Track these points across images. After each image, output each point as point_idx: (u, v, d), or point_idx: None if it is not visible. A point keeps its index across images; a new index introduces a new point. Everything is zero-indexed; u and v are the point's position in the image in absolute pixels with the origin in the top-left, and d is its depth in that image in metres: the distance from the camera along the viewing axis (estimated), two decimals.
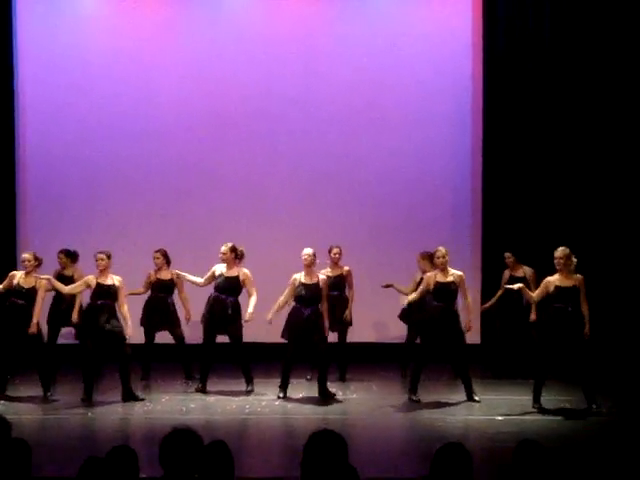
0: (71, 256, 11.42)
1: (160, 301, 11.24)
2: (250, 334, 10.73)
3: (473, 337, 12.12)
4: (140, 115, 12.80)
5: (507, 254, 11.48)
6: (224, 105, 12.76)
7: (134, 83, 12.80)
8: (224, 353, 10.65)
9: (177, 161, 12.81)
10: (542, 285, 9.39)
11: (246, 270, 10.56)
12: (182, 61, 12.80)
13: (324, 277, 10.35)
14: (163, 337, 11.53)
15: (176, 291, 11.34)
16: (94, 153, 12.78)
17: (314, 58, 12.79)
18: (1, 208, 12.66)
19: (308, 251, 10.23)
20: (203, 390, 10.46)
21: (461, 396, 10.00)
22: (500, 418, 9.03)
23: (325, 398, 10.02)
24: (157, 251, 11.37)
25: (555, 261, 9.31)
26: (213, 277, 10.54)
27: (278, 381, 10.27)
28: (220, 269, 10.54)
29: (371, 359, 12.22)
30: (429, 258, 10.46)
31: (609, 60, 12.36)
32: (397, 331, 12.19)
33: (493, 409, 9.46)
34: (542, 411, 9.25)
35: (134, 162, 12.80)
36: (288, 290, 10.22)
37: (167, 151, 12.80)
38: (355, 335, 11.61)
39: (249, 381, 10.54)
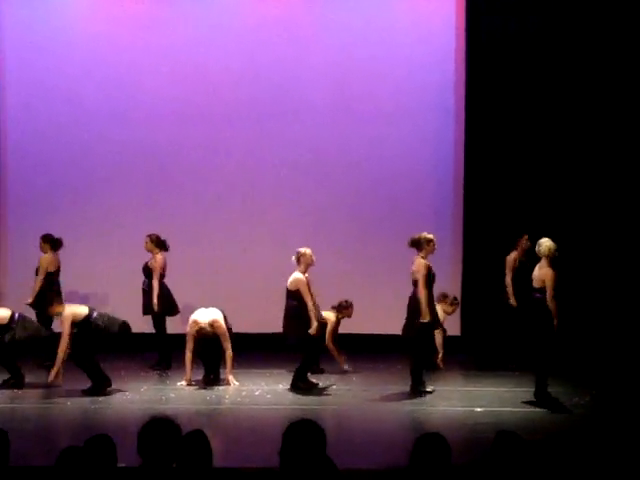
0: (50, 242, 11.39)
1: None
2: (234, 325, 10.70)
3: (453, 329, 12.19)
4: (129, 102, 12.71)
5: (526, 236, 11.23)
6: (211, 90, 12.68)
7: (123, 70, 12.71)
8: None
9: (165, 148, 12.71)
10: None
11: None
12: (171, 46, 12.71)
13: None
14: (140, 326, 11.53)
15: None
16: (83, 141, 12.69)
17: (301, 46, 12.73)
18: None
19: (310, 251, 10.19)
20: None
21: (440, 386, 10.03)
22: (479, 409, 9.06)
23: (298, 389, 10.02)
24: (148, 235, 11.33)
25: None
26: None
27: (259, 372, 10.23)
28: None
29: (352, 350, 12.21)
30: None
31: (592, 52, 12.40)
32: (378, 322, 12.20)
33: (472, 401, 9.49)
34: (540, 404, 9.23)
35: (123, 150, 12.71)
36: (308, 290, 10.06)
37: (155, 138, 12.70)
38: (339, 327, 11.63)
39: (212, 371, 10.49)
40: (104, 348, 9.83)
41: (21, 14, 12.71)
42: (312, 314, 9.97)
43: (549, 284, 9.19)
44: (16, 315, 10.01)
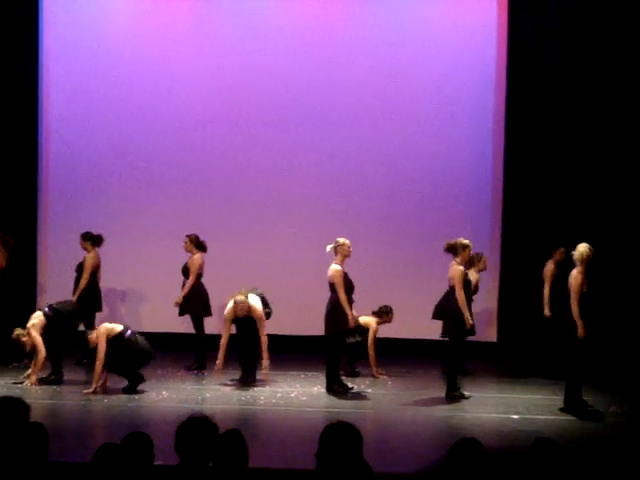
0: (91, 239, 11.53)
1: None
2: (269, 326, 10.72)
3: (490, 335, 12.14)
4: (160, 103, 12.78)
5: (563, 249, 11.07)
6: (243, 94, 12.70)
7: (155, 71, 12.78)
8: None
9: (196, 150, 12.77)
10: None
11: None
12: (203, 50, 12.76)
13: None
14: (177, 327, 11.59)
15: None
16: (115, 140, 12.79)
17: (335, 50, 12.70)
18: (22, 197, 12.72)
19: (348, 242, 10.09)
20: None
21: (475, 392, 9.99)
22: (515, 417, 9.01)
23: (333, 392, 9.99)
24: (187, 236, 11.41)
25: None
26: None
27: (293, 373, 10.22)
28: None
29: (388, 355, 12.17)
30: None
31: (634, 56, 12.22)
32: (414, 327, 12.17)
33: (509, 407, 9.44)
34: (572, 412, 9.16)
35: (154, 150, 12.78)
36: (342, 282, 9.96)
37: (187, 140, 12.76)
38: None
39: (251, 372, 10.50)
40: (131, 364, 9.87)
41: (62, 19, 12.81)
42: (346, 307, 9.83)
43: (573, 288, 9.11)
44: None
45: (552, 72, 12.37)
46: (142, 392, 9.75)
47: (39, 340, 9.99)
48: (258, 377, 10.50)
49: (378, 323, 11.06)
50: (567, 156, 12.32)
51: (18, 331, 10.07)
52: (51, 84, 12.86)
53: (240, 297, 10.25)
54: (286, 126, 12.76)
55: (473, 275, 10.71)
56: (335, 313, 9.86)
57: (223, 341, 10.29)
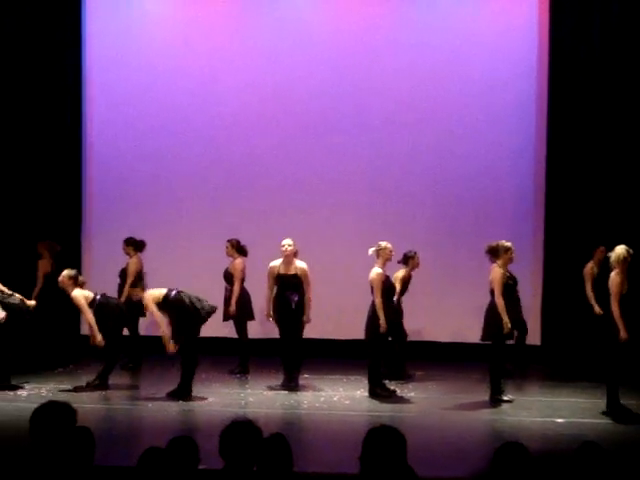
0: (133, 244, 11.64)
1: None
2: (311, 330, 10.74)
3: (533, 338, 12.05)
4: (205, 108, 12.89)
5: (603, 248, 11.00)
6: (288, 98, 12.76)
7: (193, 81, 12.89)
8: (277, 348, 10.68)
9: (236, 157, 12.85)
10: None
11: (304, 265, 10.56)
12: (239, 60, 12.82)
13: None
14: (220, 331, 11.64)
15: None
16: (155, 148, 12.92)
17: (371, 53, 12.69)
18: (67, 204, 12.89)
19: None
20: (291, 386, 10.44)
21: (519, 396, 9.93)
22: (560, 420, 8.94)
23: (376, 396, 9.98)
24: (229, 241, 11.46)
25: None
26: (274, 276, 10.55)
27: (335, 377, 10.22)
28: (277, 266, 10.52)
29: (431, 358, 12.15)
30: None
31: None
32: (457, 331, 12.14)
33: (553, 411, 9.37)
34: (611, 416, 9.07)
35: (194, 157, 12.89)
36: (381, 286, 9.99)
37: (226, 147, 12.85)
38: (413, 334, 11.59)
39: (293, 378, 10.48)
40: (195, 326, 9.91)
41: (103, 25, 12.97)
42: (381, 312, 9.80)
43: (613, 290, 9.04)
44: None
45: (595, 68, 12.25)
46: (187, 397, 9.81)
47: (83, 303, 10.10)
48: (301, 382, 10.52)
49: (408, 272, 10.94)
50: (610, 155, 12.21)
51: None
52: (93, 94, 13.02)
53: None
54: (324, 131, 12.79)
55: (402, 274, 10.77)
56: (375, 317, 9.87)
57: (268, 293, 10.45)
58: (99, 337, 10.05)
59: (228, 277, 11.51)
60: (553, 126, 12.37)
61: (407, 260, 10.97)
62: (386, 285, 9.93)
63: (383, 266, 9.98)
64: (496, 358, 9.72)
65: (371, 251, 10.02)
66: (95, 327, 10.07)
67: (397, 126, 12.71)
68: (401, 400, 9.97)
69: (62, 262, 11.86)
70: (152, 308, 9.84)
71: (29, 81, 12.81)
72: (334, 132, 12.77)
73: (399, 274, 10.86)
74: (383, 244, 10.03)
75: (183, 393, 9.80)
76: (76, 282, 10.26)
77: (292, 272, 10.46)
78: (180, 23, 13.01)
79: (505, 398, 9.71)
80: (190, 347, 9.81)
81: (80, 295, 10.14)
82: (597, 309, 11.04)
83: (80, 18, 12.95)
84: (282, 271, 10.46)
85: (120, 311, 10.52)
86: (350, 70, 12.75)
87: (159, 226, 12.72)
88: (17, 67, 12.78)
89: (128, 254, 11.68)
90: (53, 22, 12.87)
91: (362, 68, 12.74)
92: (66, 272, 10.28)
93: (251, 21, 13.00)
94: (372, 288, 9.95)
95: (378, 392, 10.02)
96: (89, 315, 10.09)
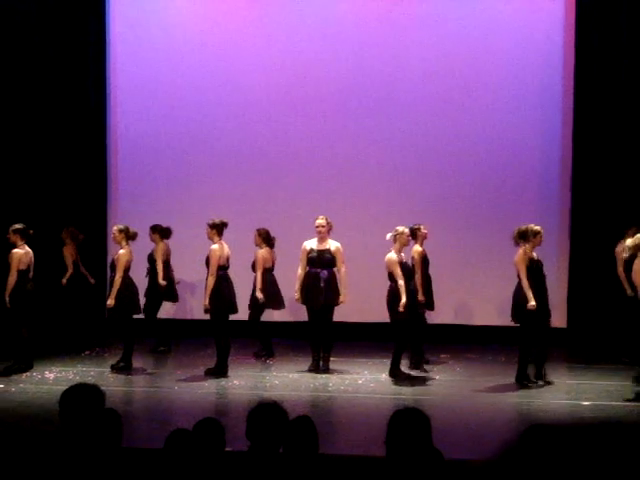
0: (160, 232, 11.63)
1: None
2: (338, 313, 10.74)
3: (559, 321, 12.00)
4: (229, 96, 12.88)
5: (635, 228, 10.75)
6: (312, 85, 12.75)
7: (221, 66, 12.88)
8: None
9: (263, 144, 12.84)
10: None
11: (338, 243, 10.55)
12: (269, 43, 12.81)
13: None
14: (244, 314, 11.66)
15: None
16: (182, 135, 12.93)
17: (402, 40, 12.65)
18: (92, 192, 12.95)
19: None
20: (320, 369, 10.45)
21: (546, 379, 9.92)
22: (586, 403, 8.92)
23: (396, 378, 9.99)
24: (257, 230, 11.37)
25: None
26: (307, 254, 10.53)
27: (360, 360, 10.24)
28: (310, 244, 10.53)
29: (455, 341, 12.14)
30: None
31: None
32: (483, 314, 12.11)
33: (579, 394, 9.34)
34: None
35: (221, 144, 12.89)
36: (400, 269, 10.01)
37: (255, 134, 12.84)
38: (438, 317, 11.59)
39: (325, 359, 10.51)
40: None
41: (129, 14, 12.99)
42: (402, 293, 9.77)
43: (636, 274, 8.98)
44: None
45: (622, 52, 12.17)
46: (215, 377, 9.87)
47: (123, 263, 10.27)
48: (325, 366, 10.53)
49: (420, 245, 10.70)
50: (638, 135, 12.11)
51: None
52: (118, 82, 13.04)
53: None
54: (353, 116, 12.75)
55: (417, 248, 10.61)
56: (394, 301, 9.88)
57: (300, 271, 10.45)
58: (111, 300, 10.17)
59: (254, 266, 11.46)
60: (579, 108, 12.29)
61: (415, 234, 10.69)
62: (403, 268, 9.94)
63: (399, 251, 10.00)
64: (525, 341, 9.68)
65: (389, 236, 10.03)
66: (116, 290, 10.17)
67: (425, 113, 12.66)
68: (426, 383, 9.98)
69: (88, 249, 11.93)
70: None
71: (54, 66, 12.84)
72: (362, 117, 12.72)
73: (416, 249, 10.70)
74: (400, 229, 10.04)
75: (220, 371, 9.95)
76: (127, 235, 10.40)
77: (325, 247, 10.45)
78: (206, 7, 12.99)
79: (531, 381, 9.68)
80: (222, 327, 9.99)
81: (128, 253, 10.28)
82: (629, 291, 10.94)
83: (104, 1, 12.96)
84: (315, 247, 10.46)
85: (136, 293, 10.61)
86: (381, 57, 12.68)
87: (185, 212, 12.71)
88: (42, 52, 12.82)
89: (154, 241, 11.66)
90: (78, 6, 12.88)
91: (393, 55, 12.67)
92: (115, 227, 10.40)
93: (276, 6, 12.96)
94: (389, 273, 9.95)
95: (396, 373, 10.02)
96: (120, 274, 10.19)
